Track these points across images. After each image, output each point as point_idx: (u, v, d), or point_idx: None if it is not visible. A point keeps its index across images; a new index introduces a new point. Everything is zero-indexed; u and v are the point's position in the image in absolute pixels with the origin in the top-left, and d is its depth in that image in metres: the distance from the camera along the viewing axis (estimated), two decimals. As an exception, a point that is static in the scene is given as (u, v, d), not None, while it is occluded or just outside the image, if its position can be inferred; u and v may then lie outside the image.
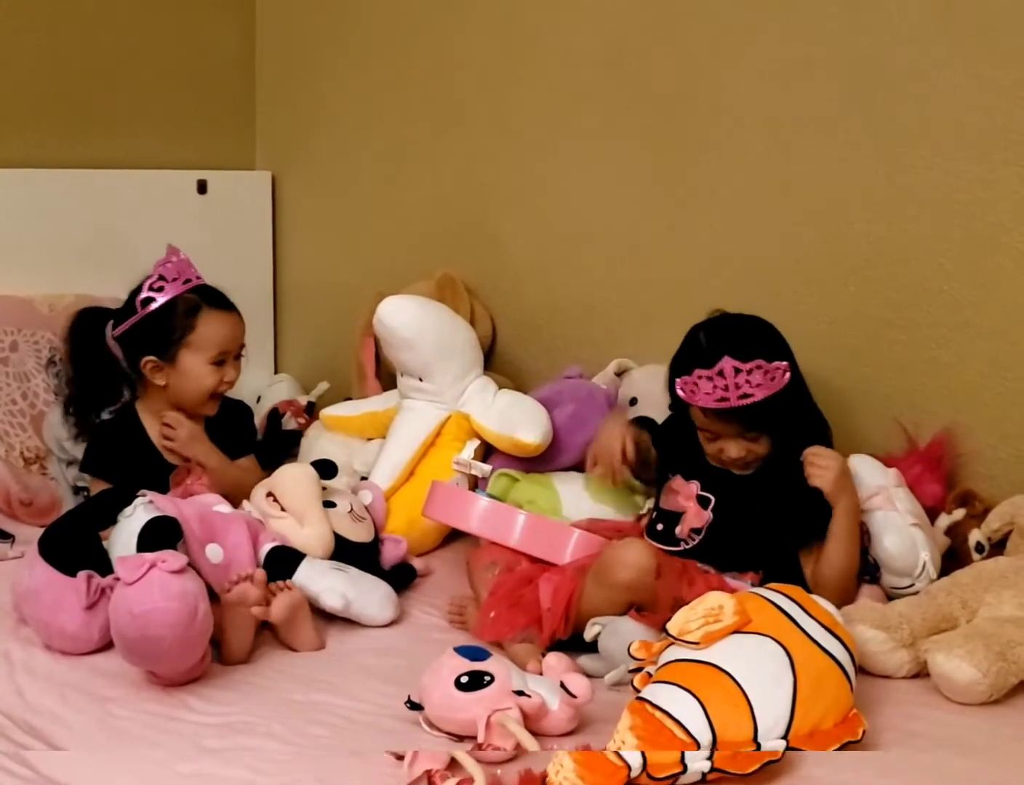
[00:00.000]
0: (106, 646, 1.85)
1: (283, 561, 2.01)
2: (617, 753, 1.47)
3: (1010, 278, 2.19)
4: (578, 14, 2.71)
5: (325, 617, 2.01)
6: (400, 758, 1.52)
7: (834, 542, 1.99)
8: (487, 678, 1.60)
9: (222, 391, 2.30)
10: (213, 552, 1.95)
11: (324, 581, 2.01)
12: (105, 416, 2.37)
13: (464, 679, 1.60)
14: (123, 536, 1.94)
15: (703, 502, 2.06)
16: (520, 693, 1.57)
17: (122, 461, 2.28)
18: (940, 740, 1.62)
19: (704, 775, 1.49)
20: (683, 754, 1.48)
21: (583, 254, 2.75)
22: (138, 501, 1.99)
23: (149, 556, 1.76)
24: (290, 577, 1.98)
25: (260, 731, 1.63)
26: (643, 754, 1.47)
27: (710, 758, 1.49)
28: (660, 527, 2.10)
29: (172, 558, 1.77)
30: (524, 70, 2.81)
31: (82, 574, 1.87)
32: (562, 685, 1.59)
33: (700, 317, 2.46)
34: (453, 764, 1.51)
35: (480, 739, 1.53)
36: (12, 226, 2.75)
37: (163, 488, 2.15)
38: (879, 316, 2.34)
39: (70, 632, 1.85)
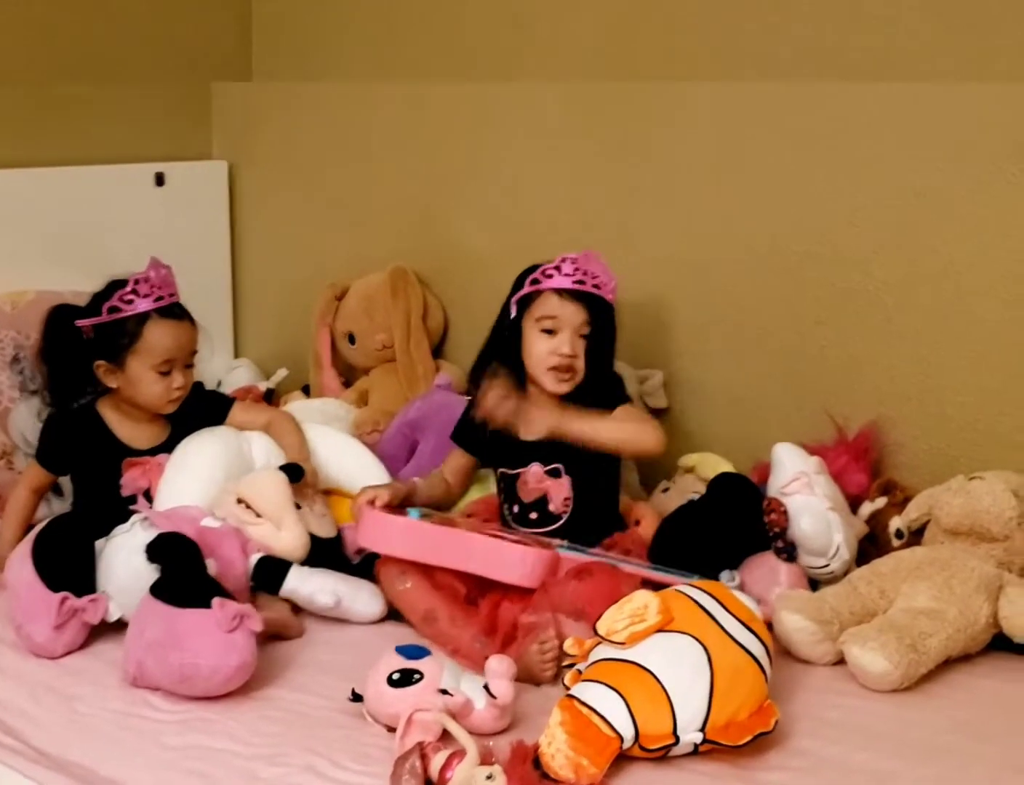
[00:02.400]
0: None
1: (272, 570, 2.08)
2: (610, 724, 1.57)
3: (931, 282, 2.31)
4: (536, 14, 2.77)
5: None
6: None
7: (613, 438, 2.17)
8: (416, 676, 1.70)
9: (173, 398, 2.31)
10: (209, 566, 1.96)
11: (315, 582, 2.09)
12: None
13: (395, 676, 1.70)
14: (121, 553, 1.99)
15: (554, 474, 2.21)
16: (446, 692, 1.66)
17: (72, 454, 2.32)
18: (850, 728, 1.74)
19: (696, 747, 1.61)
20: (675, 725, 1.59)
21: (535, 247, 2.72)
22: (135, 518, 2.04)
23: (241, 608, 1.83)
24: (280, 583, 2.06)
25: (216, 729, 1.74)
26: (636, 726, 1.57)
27: (702, 729, 1.60)
28: (534, 516, 2.21)
29: (255, 618, 1.84)
30: (478, 66, 2.87)
31: (57, 596, 1.92)
32: (485, 687, 1.69)
33: (650, 311, 2.60)
34: (445, 736, 1.61)
35: (400, 733, 1.62)
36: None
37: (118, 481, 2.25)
38: (811, 315, 2.45)
39: (37, 641, 1.93)
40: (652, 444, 2.18)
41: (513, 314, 2.24)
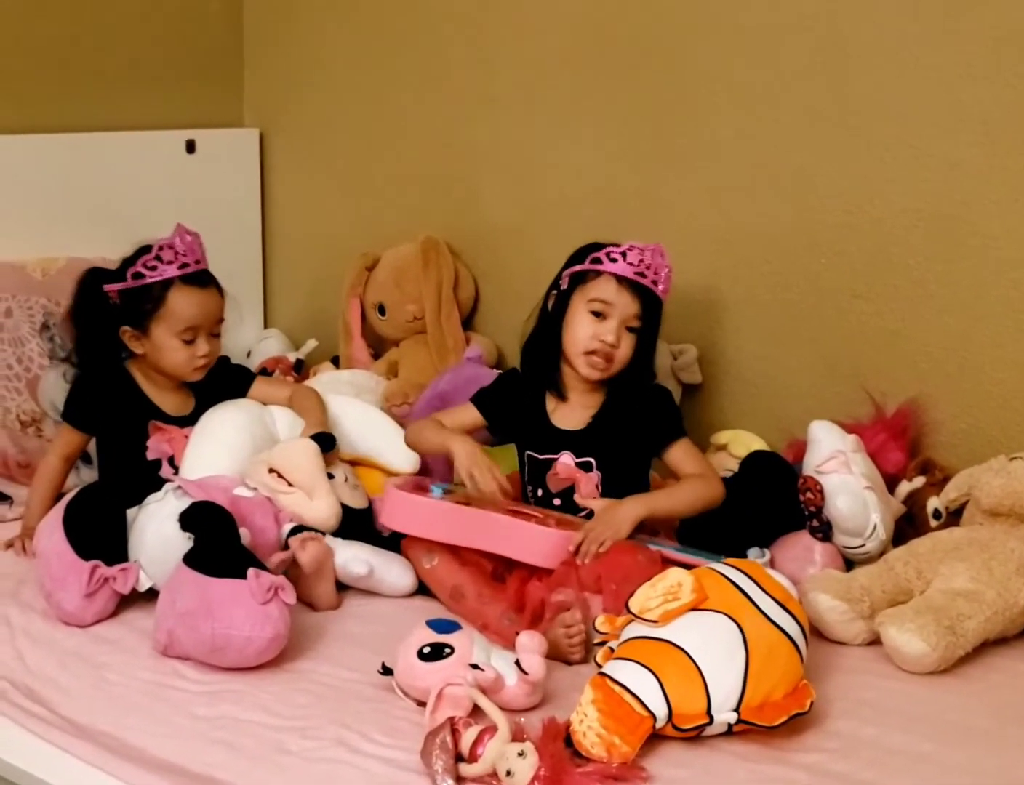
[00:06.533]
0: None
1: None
2: (643, 703, 1.55)
3: (974, 255, 2.27)
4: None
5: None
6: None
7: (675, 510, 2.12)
8: (447, 650, 1.68)
9: (197, 366, 2.30)
10: (242, 535, 1.96)
11: (348, 551, 2.08)
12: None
13: (426, 650, 1.69)
14: (154, 522, 1.98)
15: (585, 467, 2.17)
16: (476, 667, 1.64)
17: (102, 411, 2.30)
18: (886, 710, 1.72)
19: (730, 727, 1.59)
20: (709, 705, 1.57)
21: (563, 218, 2.78)
22: (168, 486, 2.03)
23: (276, 579, 1.82)
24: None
25: (246, 700, 1.73)
26: (669, 705, 1.56)
27: (737, 709, 1.58)
28: (557, 502, 2.18)
29: (290, 589, 1.84)
30: (506, 36, 2.83)
31: (88, 564, 1.92)
32: (517, 662, 1.67)
33: (683, 285, 2.54)
34: (476, 711, 1.60)
35: (430, 708, 1.61)
36: (2, 193, 2.73)
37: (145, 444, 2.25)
38: (848, 288, 2.42)
39: (67, 609, 1.94)
40: (719, 500, 2.12)
41: (564, 287, 2.19)
